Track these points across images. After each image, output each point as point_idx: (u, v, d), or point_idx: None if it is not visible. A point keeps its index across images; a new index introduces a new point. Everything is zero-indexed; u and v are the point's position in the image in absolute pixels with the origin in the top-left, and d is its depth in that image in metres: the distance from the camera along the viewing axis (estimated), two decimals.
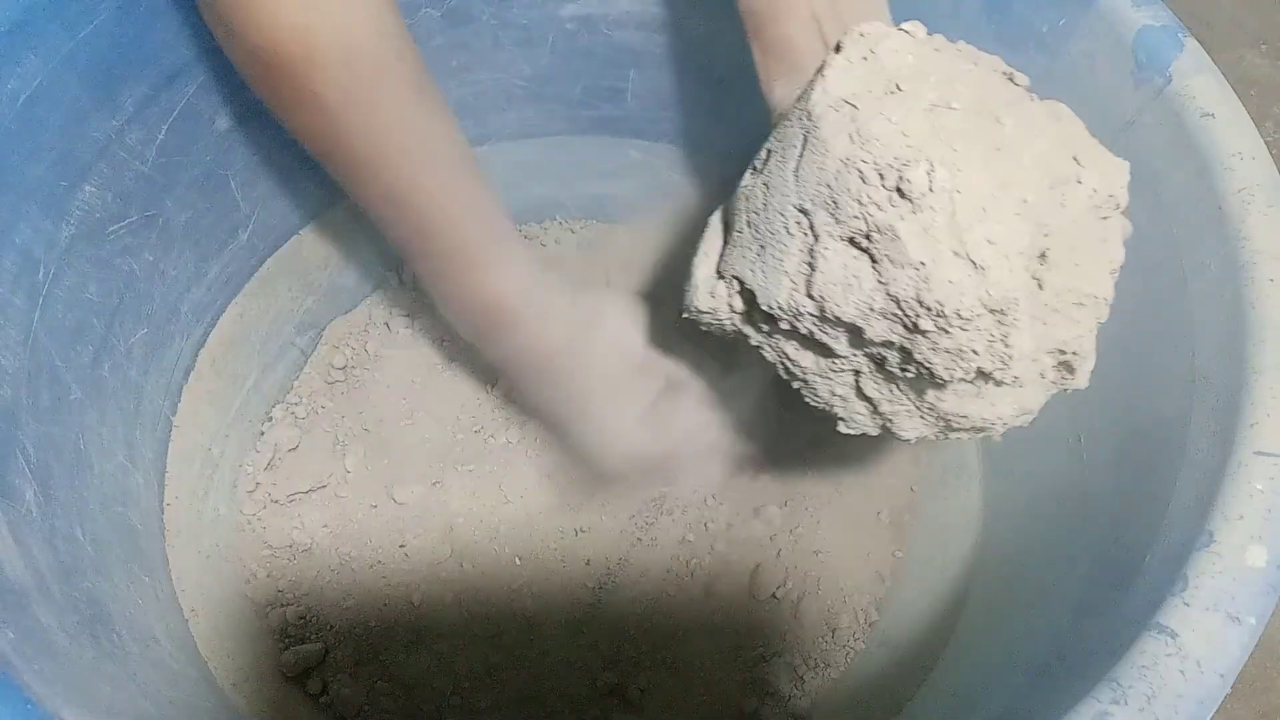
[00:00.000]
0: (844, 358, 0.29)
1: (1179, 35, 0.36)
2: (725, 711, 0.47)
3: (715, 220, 0.33)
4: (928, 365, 0.27)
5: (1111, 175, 0.29)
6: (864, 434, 0.32)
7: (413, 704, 0.46)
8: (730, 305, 0.31)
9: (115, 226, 0.40)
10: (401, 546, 0.50)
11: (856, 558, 0.51)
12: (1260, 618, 0.26)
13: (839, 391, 0.31)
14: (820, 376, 0.31)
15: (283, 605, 0.48)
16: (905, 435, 0.30)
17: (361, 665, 0.47)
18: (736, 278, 0.31)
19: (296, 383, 0.54)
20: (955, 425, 0.29)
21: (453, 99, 0.51)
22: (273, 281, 0.51)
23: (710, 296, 0.32)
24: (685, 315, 0.33)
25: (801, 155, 0.27)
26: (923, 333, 0.26)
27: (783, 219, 0.28)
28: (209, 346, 0.48)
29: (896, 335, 0.27)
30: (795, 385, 0.32)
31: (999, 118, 0.27)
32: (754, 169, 0.30)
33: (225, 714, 0.41)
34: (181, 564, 0.44)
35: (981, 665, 0.41)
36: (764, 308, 0.29)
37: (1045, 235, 0.27)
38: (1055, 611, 0.37)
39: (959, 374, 0.27)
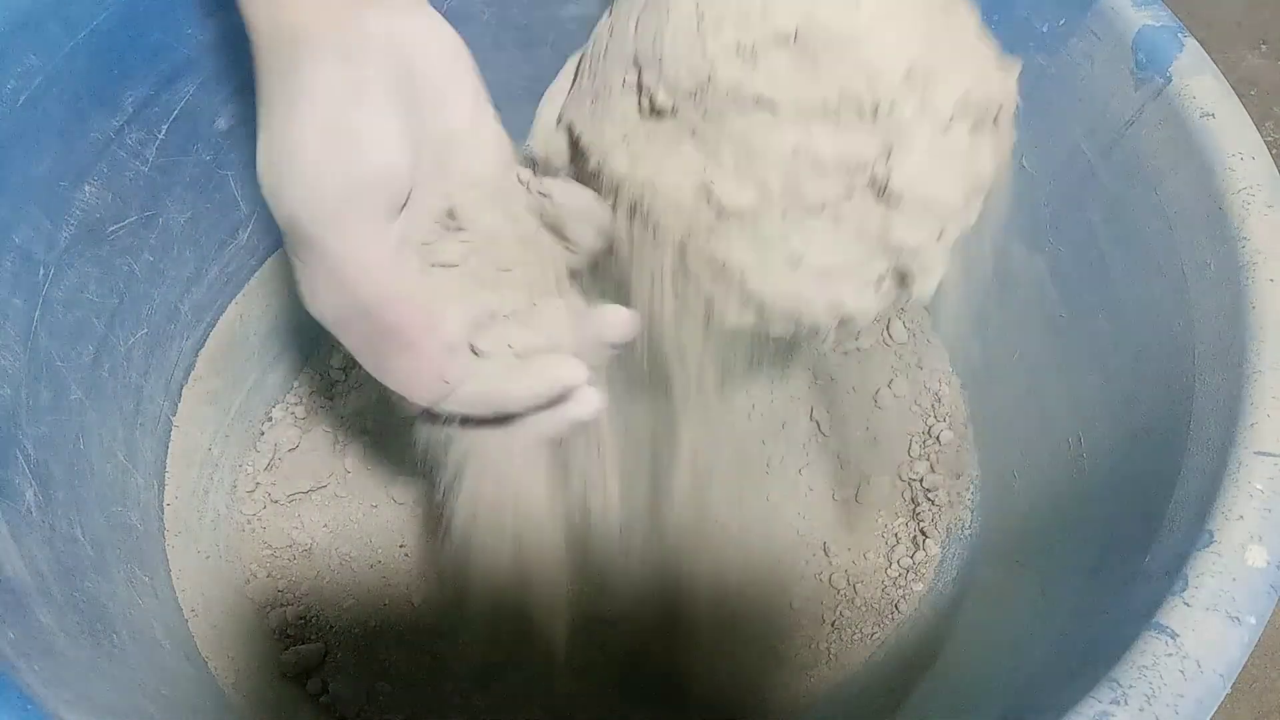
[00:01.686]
0: (666, 230, 0.27)
1: (1179, 35, 0.36)
2: (726, 709, 0.47)
3: (571, 62, 0.30)
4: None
5: (992, 79, 0.27)
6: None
7: (413, 704, 0.46)
8: (564, 154, 0.29)
9: (115, 226, 0.40)
10: (401, 546, 0.50)
11: (856, 556, 0.51)
12: (1260, 618, 0.26)
13: (663, 266, 0.29)
14: (642, 245, 0.29)
15: (283, 605, 0.48)
16: (728, 321, 0.29)
17: (361, 665, 0.47)
18: (570, 126, 0.29)
19: (296, 383, 0.54)
20: (772, 314, 0.28)
21: None
22: (273, 282, 0.51)
23: (545, 143, 0.30)
24: (526, 158, 0.31)
25: (646, 2, 0.26)
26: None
27: (619, 70, 0.27)
28: (209, 347, 0.48)
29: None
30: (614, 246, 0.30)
31: None
32: (609, 10, 0.28)
33: (225, 714, 0.41)
34: (181, 564, 0.44)
35: (980, 665, 0.41)
36: (590, 164, 0.27)
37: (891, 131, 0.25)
38: (1054, 611, 0.37)
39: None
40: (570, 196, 0.29)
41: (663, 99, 0.26)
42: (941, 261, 0.28)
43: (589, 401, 0.31)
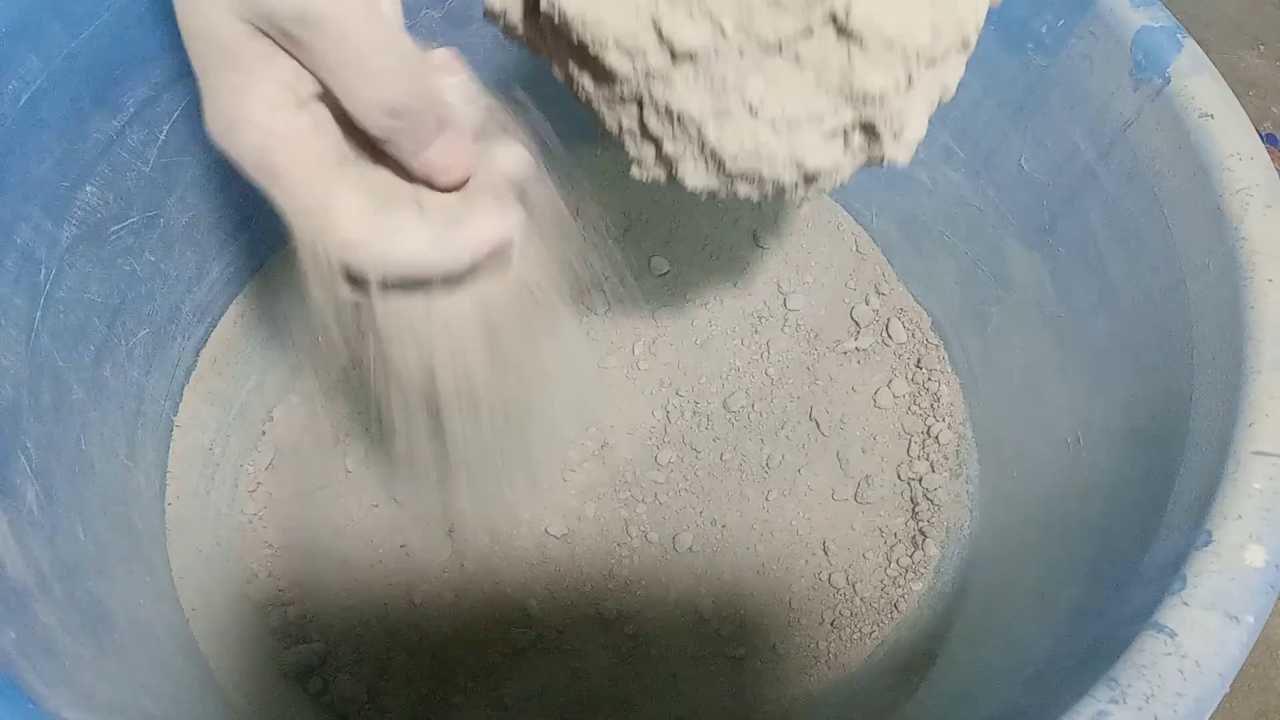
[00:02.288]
0: (622, 81, 0.26)
1: (1178, 36, 0.36)
2: (726, 708, 0.47)
3: None
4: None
5: None
6: (655, 180, 0.28)
7: (413, 704, 0.46)
8: (519, 6, 0.28)
9: (116, 227, 0.40)
10: (402, 546, 0.50)
11: (856, 556, 0.51)
12: (1259, 617, 0.26)
13: (626, 124, 0.28)
14: (605, 103, 0.27)
15: (284, 605, 0.48)
16: (689, 182, 0.27)
17: (362, 665, 0.47)
18: None
19: (298, 383, 0.54)
20: (733, 170, 0.26)
21: None
22: (275, 281, 0.51)
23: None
24: (485, 17, 0.29)
25: None
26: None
27: None
28: (210, 346, 0.48)
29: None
30: (586, 111, 0.28)
31: None
32: None
33: (226, 713, 0.41)
34: (183, 563, 0.44)
35: (980, 664, 0.41)
36: (543, 9, 0.26)
37: None
38: (1053, 610, 0.37)
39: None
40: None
41: None
42: (916, 118, 0.26)
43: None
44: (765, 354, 0.56)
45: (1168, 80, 0.36)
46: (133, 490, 0.42)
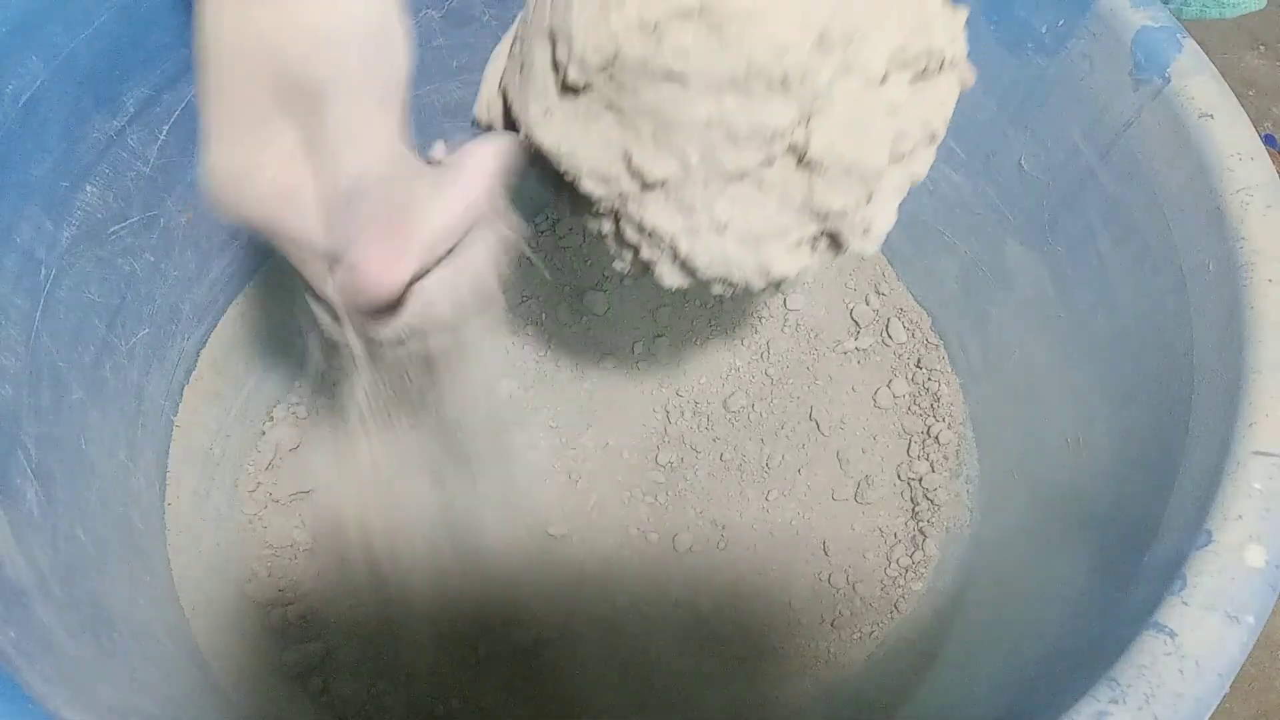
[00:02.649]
0: (598, 201, 0.28)
1: (1178, 36, 0.36)
2: (726, 708, 0.47)
3: (515, 27, 0.30)
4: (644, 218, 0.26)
5: (931, 29, 0.27)
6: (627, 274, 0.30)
7: (413, 703, 0.46)
8: (502, 120, 0.29)
9: (116, 227, 0.40)
10: (402, 546, 0.50)
11: (856, 556, 0.51)
12: (1259, 617, 0.26)
13: (605, 231, 0.29)
14: (587, 215, 0.29)
15: (283, 605, 0.48)
16: (665, 282, 0.29)
17: (362, 665, 0.47)
18: (504, 94, 0.29)
19: (297, 383, 0.54)
20: (704, 278, 0.28)
21: (453, 99, 0.51)
22: (273, 282, 0.51)
23: (487, 109, 0.30)
24: (472, 125, 0.31)
25: None
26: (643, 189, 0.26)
27: (540, 43, 0.26)
28: (210, 347, 0.48)
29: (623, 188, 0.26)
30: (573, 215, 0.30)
31: None
32: None
33: (225, 712, 0.41)
34: (182, 563, 0.44)
35: (980, 664, 0.41)
36: (521, 135, 0.28)
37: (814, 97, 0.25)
38: (1054, 611, 0.37)
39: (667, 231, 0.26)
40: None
41: (574, 76, 0.26)
42: (884, 213, 0.28)
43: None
44: (765, 354, 0.56)
45: (1168, 80, 0.36)
46: (133, 490, 0.42)
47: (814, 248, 0.28)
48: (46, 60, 0.35)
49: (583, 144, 0.27)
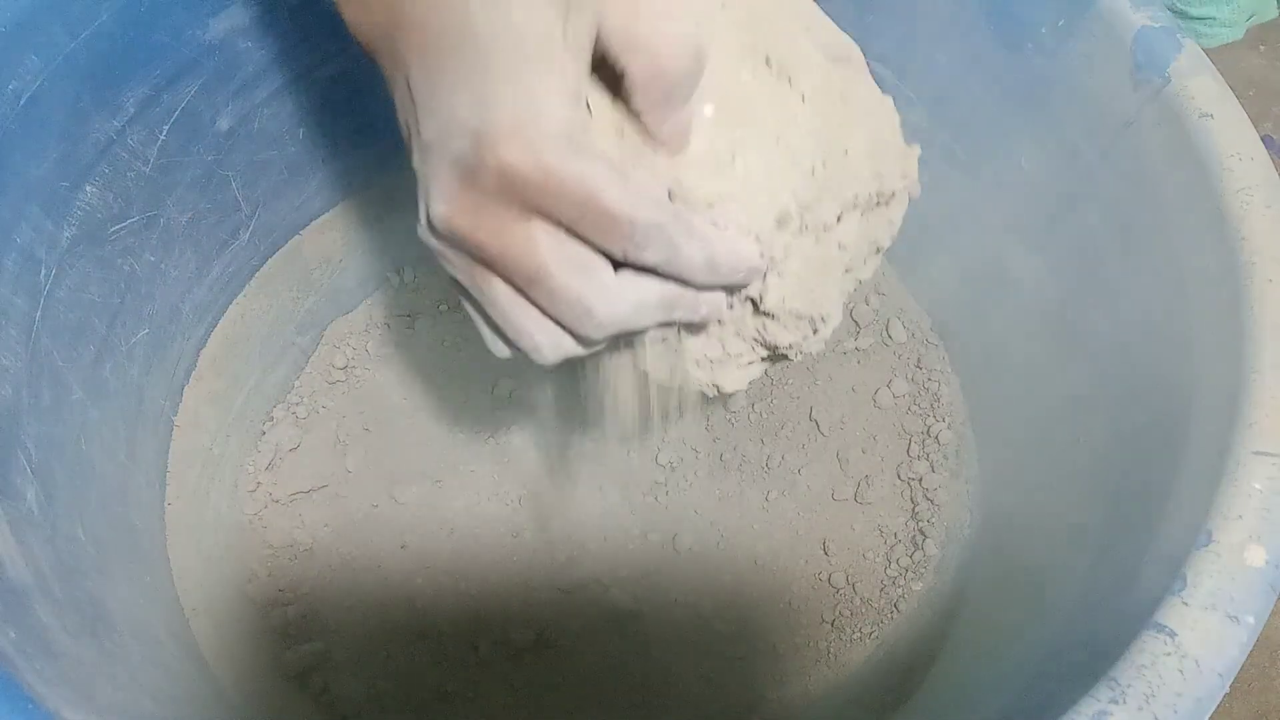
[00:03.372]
0: None
1: (1178, 36, 0.36)
2: (726, 708, 0.47)
3: None
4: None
5: (880, 176, 0.29)
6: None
7: (413, 704, 0.46)
8: None
9: (116, 227, 0.40)
10: (402, 547, 0.50)
11: (856, 556, 0.51)
12: (1259, 617, 0.26)
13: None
14: None
15: (284, 605, 0.48)
16: (624, 386, 0.32)
17: (362, 665, 0.47)
18: None
19: (297, 383, 0.54)
20: (660, 384, 0.31)
21: None
22: (274, 282, 0.51)
23: None
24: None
25: None
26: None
27: None
28: (210, 347, 0.48)
29: None
30: None
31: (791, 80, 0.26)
32: None
33: (226, 713, 0.41)
34: (183, 564, 0.44)
35: (980, 664, 0.41)
36: None
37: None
38: (1053, 610, 0.37)
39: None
40: None
41: None
42: (832, 320, 0.30)
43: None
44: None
45: (1168, 80, 0.36)
46: (133, 490, 0.42)
47: (762, 362, 0.31)
48: (47, 60, 0.35)
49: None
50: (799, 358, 0.31)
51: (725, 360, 0.31)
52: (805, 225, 0.27)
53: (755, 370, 0.32)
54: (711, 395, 0.32)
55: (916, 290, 0.55)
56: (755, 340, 0.30)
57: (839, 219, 0.28)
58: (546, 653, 0.48)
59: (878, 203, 0.29)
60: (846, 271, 0.30)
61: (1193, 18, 0.40)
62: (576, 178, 0.22)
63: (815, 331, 0.30)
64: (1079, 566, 0.37)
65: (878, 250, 0.31)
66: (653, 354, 0.30)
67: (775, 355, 0.31)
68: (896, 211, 0.31)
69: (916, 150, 0.30)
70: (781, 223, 0.26)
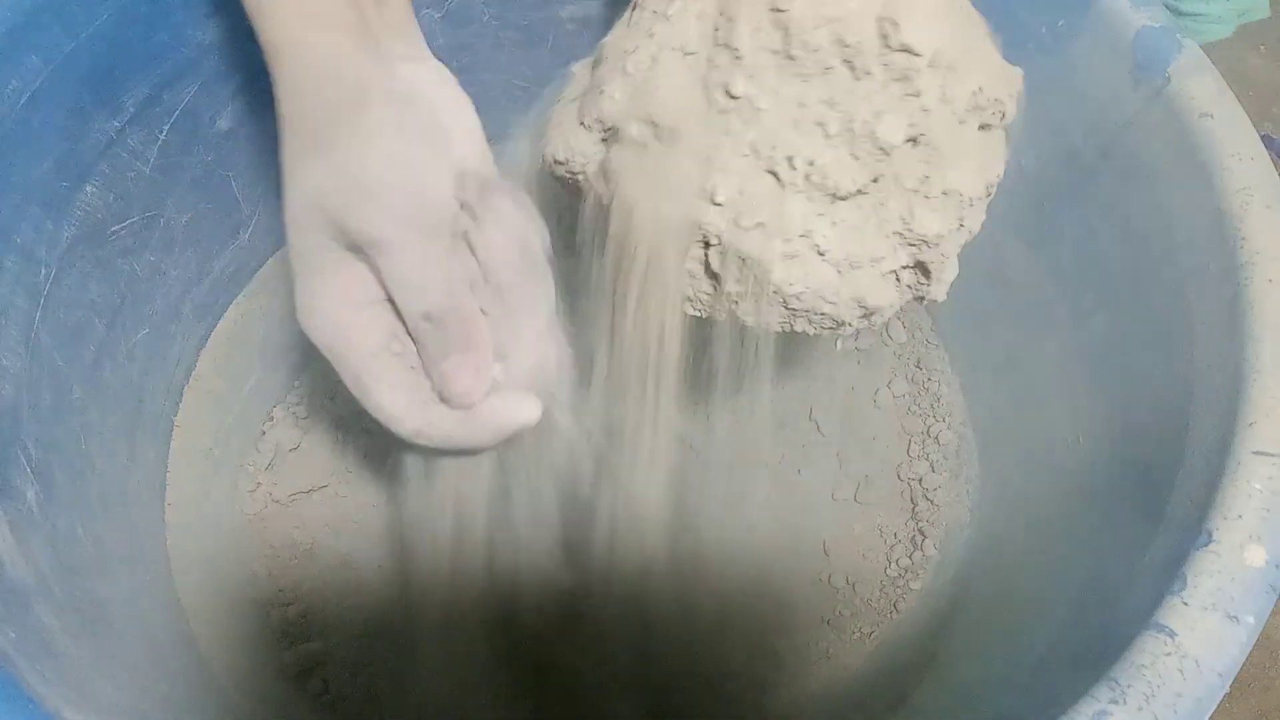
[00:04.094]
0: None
1: (1178, 36, 0.36)
2: (726, 708, 0.47)
3: (578, 69, 0.31)
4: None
5: (1001, 81, 0.28)
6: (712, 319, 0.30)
7: (413, 704, 0.46)
8: (585, 153, 0.30)
9: (116, 227, 0.40)
10: (402, 546, 0.50)
11: (855, 556, 0.51)
12: (1259, 617, 0.26)
13: (688, 265, 0.29)
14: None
15: (284, 605, 0.48)
16: (750, 320, 0.29)
17: (362, 665, 0.47)
18: (599, 120, 0.29)
19: (298, 382, 0.54)
20: (796, 308, 0.28)
21: None
22: (274, 282, 0.51)
23: (568, 145, 0.31)
24: (540, 167, 0.32)
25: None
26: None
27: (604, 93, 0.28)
28: (210, 346, 0.48)
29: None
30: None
31: None
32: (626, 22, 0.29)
33: (226, 713, 0.41)
34: (183, 563, 0.44)
35: (980, 664, 0.41)
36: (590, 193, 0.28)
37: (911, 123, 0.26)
38: (1053, 611, 0.37)
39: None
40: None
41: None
42: (954, 261, 0.28)
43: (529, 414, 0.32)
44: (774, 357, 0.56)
45: (1168, 80, 0.36)
46: (133, 490, 0.42)
47: (900, 282, 0.28)
48: (47, 59, 0.35)
49: (652, 193, 0.27)
50: (932, 286, 0.28)
51: (866, 263, 0.27)
52: (944, 92, 0.26)
53: (893, 289, 0.28)
54: (852, 319, 0.29)
55: None
56: (901, 235, 0.27)
57: (965, 114, 0.27)
58: (546, 654, 0.48)
59: (988, 121, 0.28)
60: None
61: (1183, 14, 0.41)
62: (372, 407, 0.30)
63: (959, 224, 0.27)
64: (1078, 566, 0.37)
65: (987, 192, 0.29)
66: (790, 269, 0.27)
67: (915, 270, 0.28)
68: (1000, 146, 0.29)
69: (1019, 72, 0.29)
70: (934, 66, 0.25)
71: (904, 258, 0.28)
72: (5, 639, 0.28)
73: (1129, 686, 0.25)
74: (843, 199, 0.26)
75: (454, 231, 0.28)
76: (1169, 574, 0.27)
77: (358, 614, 0.48)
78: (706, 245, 0.28)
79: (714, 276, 0.29)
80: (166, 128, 0.41)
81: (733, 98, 0.26)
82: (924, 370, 0.54)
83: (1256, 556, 0.27)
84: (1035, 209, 0.44)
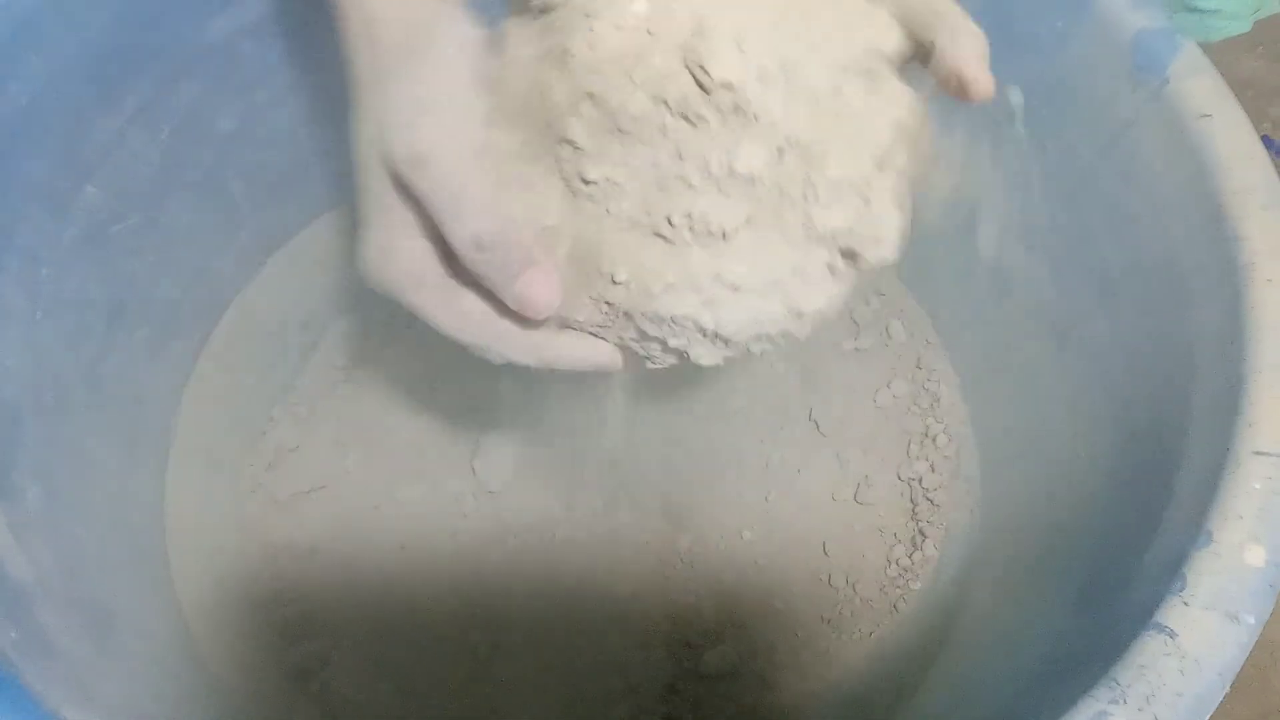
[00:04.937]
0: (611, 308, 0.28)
1: (1176, 37, 0.36)
2: (726, 709, 0.47)
3: None
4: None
5: (863, 27, 0.27)
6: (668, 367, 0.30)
7: (413, 705, 0.46)
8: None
9: (117, 227, 0.40)
10: (402, 547, 0.50)
11: (855, 556, 0.51)
12: (1259, 617, 0.26)
13: (627, 337, 0.29)
14: (601, 329, 0.29)
15: (284, 605, 0.48)
16: (704, 361, 0.29)
17: (362, 666, 0.47)
18: None
19: (298, 383, 0.54)
20: (738, 339, 0.28)
21: None
22: (274, 282, 0.51)
23: None
24: None
25: None
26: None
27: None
28: (210, 347, 0.48)
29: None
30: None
31: None
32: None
33: (226, 713, 0.41)
34: (183, 563, 0.44)
35: (980, 665, 0.41)
36: None
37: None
38: (1053, 611, 0.37)
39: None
40: None
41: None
42: (889, 220, 0.27)
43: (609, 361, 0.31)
44: (764, 354, 0.56)
45: (1166, 81, 0.36)
46: (133, 490, 0.42)
47: (834, 272, 0.28)
48: (48, 60, 0.35)
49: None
50: (871, 255, 0.27)
51: (787, 276, 0.27)
52: (792, 90, 0.25)
53: (828, 283, 0.28)
54: (800, 330, 0.29)
55: (916, 290, 0.55)
56: (808, 238, 0.27)
57: (838, 90, 0.26)
58: (546, 653, 0.48)
59: (867, 72, 0.27)
60: (880, 164, 0.27)
61: (1199, 10, 0.40)
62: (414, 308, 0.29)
63: (866, 202, 0.27)
64: (1078, 567, 0.37)
65: (906, 140, 0.28)
66: (717, 312, 0.27)
67: (843, 256, 0.27)
68: (899, 89, 0.28)
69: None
70: (762, 79, 0.25)
71: (825, 254, 0.27)
72: (6, 639, 0.28)
73: (1129, 687, 0.25)
74: (735, 232, 0.26)
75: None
76: (1169, 574, 0.27)
77: (358, 614, 0.48)
78: (632, 319, 0.28)
79: (655, 340, 0.29)
80: (167, 128, 0.41)
81: (590, 183, 0.26)
82: (924, 370, 0.54)
83: (1256, 556, 0.27)
84: (1034, 210, 0.44)
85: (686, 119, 0.25)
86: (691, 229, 0.26)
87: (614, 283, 0.27)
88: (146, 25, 0.38)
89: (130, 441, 0.42)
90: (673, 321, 0.28)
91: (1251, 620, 0.26)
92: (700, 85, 0.25)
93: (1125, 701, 0.25)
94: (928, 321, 0.55)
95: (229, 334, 0.49)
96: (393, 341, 0.56)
